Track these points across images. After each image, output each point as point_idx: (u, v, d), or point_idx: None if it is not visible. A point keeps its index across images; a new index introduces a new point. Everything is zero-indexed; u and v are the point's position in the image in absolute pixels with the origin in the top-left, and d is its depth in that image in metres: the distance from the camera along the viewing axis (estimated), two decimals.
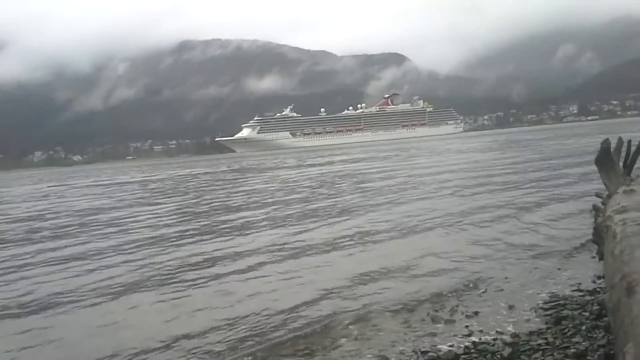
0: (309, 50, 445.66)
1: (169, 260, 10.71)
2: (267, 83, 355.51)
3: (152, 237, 13.80)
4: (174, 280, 9.23)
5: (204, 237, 13.28)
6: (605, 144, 9.42)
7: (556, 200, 14.68)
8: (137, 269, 10.20)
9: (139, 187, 37.91)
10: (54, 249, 13.03)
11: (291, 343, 6.06)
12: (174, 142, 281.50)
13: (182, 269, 9.96)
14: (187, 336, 6.43)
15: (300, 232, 12.90)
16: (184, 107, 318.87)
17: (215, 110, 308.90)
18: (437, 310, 6.66)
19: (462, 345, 5.48)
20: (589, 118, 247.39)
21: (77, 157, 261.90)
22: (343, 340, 6.03)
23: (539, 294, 6.92)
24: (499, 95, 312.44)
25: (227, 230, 14.23)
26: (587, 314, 5.85)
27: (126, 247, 12.65)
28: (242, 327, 6.66)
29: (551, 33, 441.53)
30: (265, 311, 7.15)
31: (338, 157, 60.21)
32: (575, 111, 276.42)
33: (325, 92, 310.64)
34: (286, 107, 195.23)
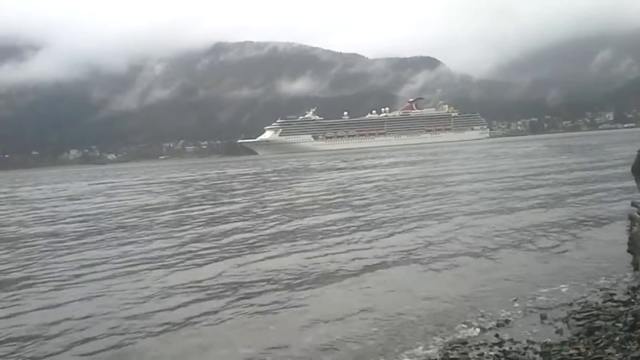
0: (341, 53, 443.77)
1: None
2: (300, 85, 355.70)
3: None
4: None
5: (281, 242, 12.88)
6: None
7: (595, 208, 14.53)
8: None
9: (201, 185, 37.95)
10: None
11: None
12: (205, 142, 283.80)
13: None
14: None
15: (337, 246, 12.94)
16: (217, 108, 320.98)
17: (248, 111, 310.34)
18: (467, 316, 6.63)
19: (492, 354, 5.45)
20: (625, 125, 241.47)
21: (111, 156, 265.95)
22: (371, 342, 6.06)
23: (571, 303, 6.83)
24: (533, 99, 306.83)
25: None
26: (620, 325, 5.76)
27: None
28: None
29: (589, 37, 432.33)
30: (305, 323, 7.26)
31: (385, 160, 59.72)
32: (612, 118, 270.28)
33: (357, 95, 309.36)
34: (309, 110, 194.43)
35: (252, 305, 7.62)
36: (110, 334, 6.78)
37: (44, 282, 9.68)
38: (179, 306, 7.74)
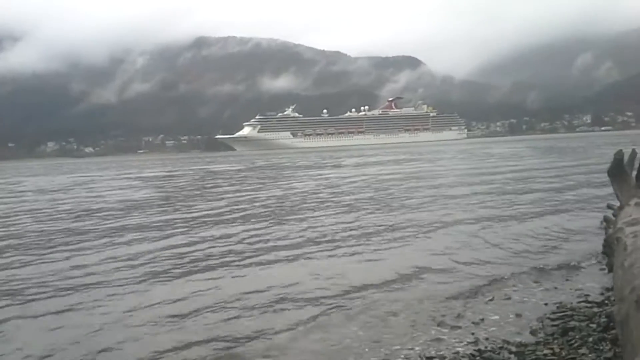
0: (323, 50, 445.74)
1: None
2: (282, 82, 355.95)
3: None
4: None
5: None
6: (619, 155, 9.35)
7: (575, 209, 14.70)
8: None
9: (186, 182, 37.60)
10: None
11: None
12: (185, 137, 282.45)
13: None
14: None
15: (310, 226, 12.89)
16: (198, 103, 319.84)
17: (229, 107, 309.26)
18: (443, 316, 6.65)
19: (467, 353, 5.47)
20: (603, 128, 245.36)
21: (89, 149, 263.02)
22: (348, 341, 6.05)
23: (546, 304, 6.88)
24: (513, 102, 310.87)
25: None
26: (594, 325, 5.82)
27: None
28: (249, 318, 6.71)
29: (570, 41, 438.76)
30: (277, 304, 7.22)
31: (370, 159, 59.62)
32: (589, 121, 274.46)
33: (339, 93, 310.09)
34: (288, 107, 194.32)
35: (233, 314, 7.43)
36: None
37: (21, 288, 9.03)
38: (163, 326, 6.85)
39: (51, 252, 11.78)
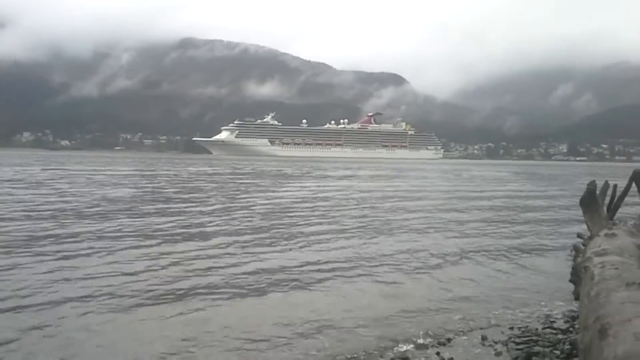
0: (309, 61, 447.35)
1: None
2: (267, 89, 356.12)
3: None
4: None
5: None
6: (592, 185, 9.50)
7: (547, 238, 14.86)
8: None
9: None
10: None
11: None
12: (164, 137, 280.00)
13: None
14: None
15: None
16: (180, 104, 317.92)
17: (212, 110, 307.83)
18: (411, 334, 6.66)
19: None
20: (578, 159, 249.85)
21: (65, 142, 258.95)
22: (314, 352, 6.06)
23: (511, 328, 6.95)
24: (492, 126, 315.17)
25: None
26: (558, 352, 5.89)
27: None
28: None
29: (552, 70, 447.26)
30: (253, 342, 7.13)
31: (359, 172, 59.19)
32: (565, 150, 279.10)
33: (323, 105, 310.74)
34: (268, 114, 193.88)
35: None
36: None
37: None
38: None
39: (25, 258, 10.55)
